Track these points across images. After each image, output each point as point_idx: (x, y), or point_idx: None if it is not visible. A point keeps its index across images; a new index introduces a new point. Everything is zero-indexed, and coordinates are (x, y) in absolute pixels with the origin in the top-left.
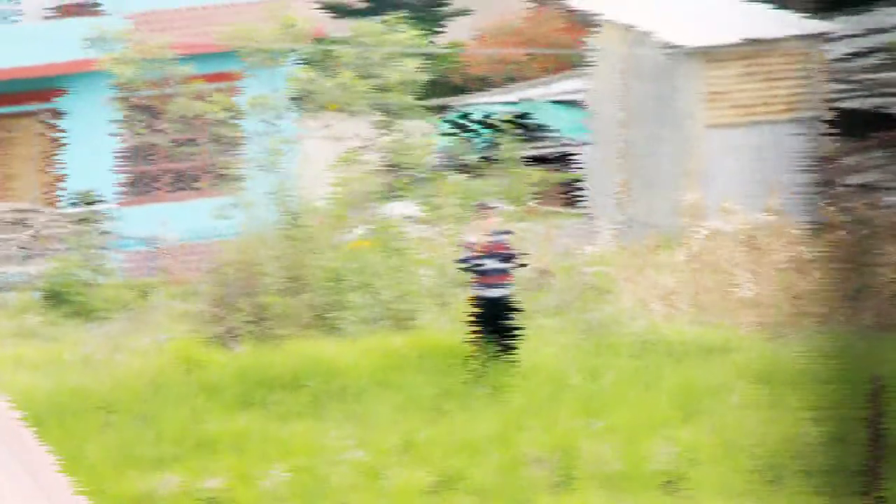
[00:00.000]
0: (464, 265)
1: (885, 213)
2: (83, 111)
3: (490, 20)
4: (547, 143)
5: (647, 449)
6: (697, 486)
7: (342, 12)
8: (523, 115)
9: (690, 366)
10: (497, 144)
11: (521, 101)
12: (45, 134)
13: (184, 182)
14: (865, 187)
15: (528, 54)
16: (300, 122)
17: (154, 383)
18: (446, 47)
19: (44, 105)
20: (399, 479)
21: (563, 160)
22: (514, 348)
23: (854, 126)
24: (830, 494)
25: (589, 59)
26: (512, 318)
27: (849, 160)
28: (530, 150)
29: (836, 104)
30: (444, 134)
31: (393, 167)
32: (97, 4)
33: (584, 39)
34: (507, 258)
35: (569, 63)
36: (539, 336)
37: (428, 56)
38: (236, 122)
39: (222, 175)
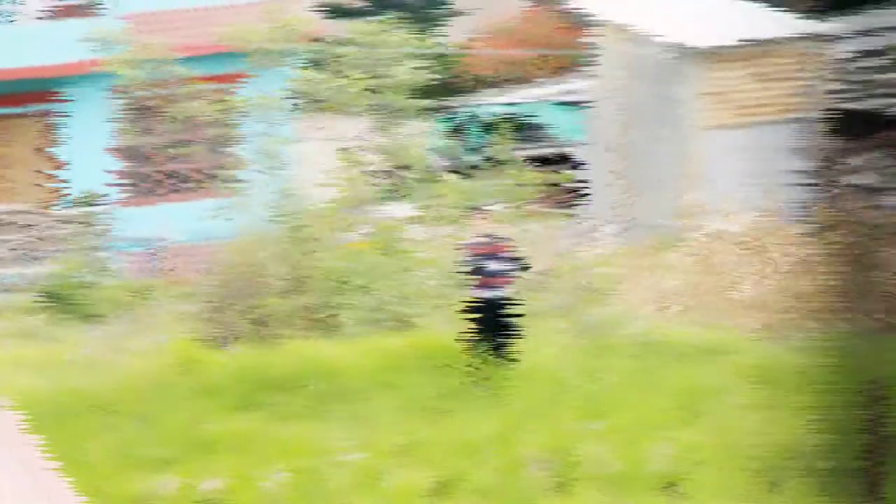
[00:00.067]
0: (463, 266)
1: (885, 215)
2: (82, 112)
3: (489, 21)
4: (547, 144)
5: (648, 450)
6: (698, 488)
7: (341, 13)
8: (523, 116)
9: (691, 367)
10: (496, 145)
11: (521, 101)
12: (45, 135)
13: (183, 183)
14: (865, 188)
15: (528, 55)
16: (299, 123)
17: (154, 384)
18: (446, 48)
19: (43, 106)
20: (399, 480)
21: (562, 161)
22: (514, 349)
23: (854, 127)
24: (831, 497)
25: (589, 60)
26: (511, 320)
27: (849, 161)
28: (530, 151)
29: (837, 105)
30: (444, 135)
31: (392, 168)
32: (96, 5)
33: (584, 40)
34: (508, 260)
35: (569, 64)
36: (539, 337)
37: (427, 57)
38: (235, 122)
39: (222, 176)
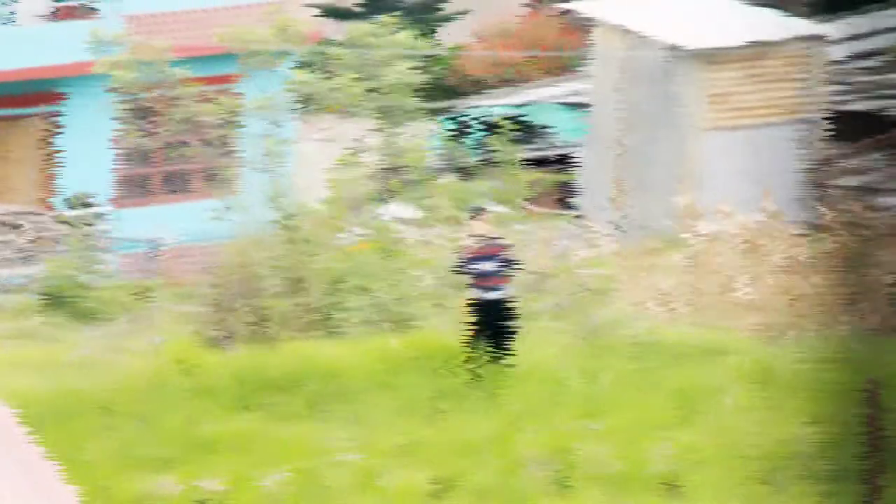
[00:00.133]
0: (461, 267)
1: (883, 216)
2: (81, 113)
3: (488, 22)
4: (545, 146)
5: (646, 451)
6: (697, 488)
7: (339, 15)
8: (521, 118)
9: (688, 368)
10: (495, 147)
11: (520, 103)
12: (44, 136)
13: (182, 184)
14: (864, 189)
15: (526, 56)
16: (298, 124)
17: (152, 385)
18: (444, 49)
19: (43, 107)
20: (397, 480)
21: (561, 162)
22: (513, 350)
23: (853, 128)
24: (829, 498)
25: (587, 62)
26: (510, 320)
27: (847, 162)
28: (529, 153)
29: (835, 107)
30: (442, 136)
31: (390, 169)
32: (94, 7)
33: (583, 42)
34: (506, 260)
35: (568, 65)
36: (537, 338)
37: (426, 58)
38: (234, 124)
39: (221, 177)
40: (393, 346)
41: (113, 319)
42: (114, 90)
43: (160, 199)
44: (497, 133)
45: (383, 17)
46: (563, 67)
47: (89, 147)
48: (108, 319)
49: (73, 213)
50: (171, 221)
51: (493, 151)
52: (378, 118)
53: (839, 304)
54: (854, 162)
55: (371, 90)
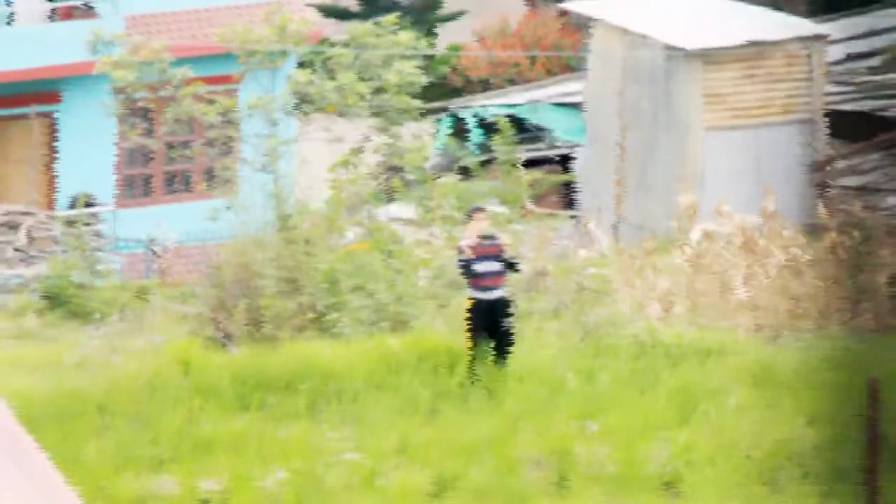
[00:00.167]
0: (460, 268)
1: (882, 216)
2: (81, 114)
3: (488, 22)
4: (545, 145)
5: (644, 451)
6: (694, 489)
7: (339, 15)
8: (521, 118)
9: (687, 368)
10: (494, 147)
11: (519, 103)
12: (43, 136)
13: (181, 184)
14: (863, 190)
15: (526, 57)
16: (298, 124)
17: (151, 385)
18: (445, 49)
19: (41, 108)
20: (396, 480)
21: (561, 162)
22: (511, 350)
23: (852, 128)
24: (828, 498)
25: (587, 62)
26: (508, 321)
27: (846, 162)
28: (528, 153)
29: (835, 107)
30: (442, 136)
31: (390, 169)
32: (94, 7)
33: (583, 42)
34: (503, 260)
35: (568, 65)
36: (536, 338)
37: (426, 58)
38: (234, 124)
39: (219, 177)
40: (392, 346)
41: (112, 319)
42: (114, 90)
43: (160, 199)
44: (497, 133)
45: (383, 17)
46: (562, 67)
47: (89, 147)
48: (107, 319)
49: (73, 212)
50: (171, 221)
51: (493, 151)
52: (378, 118)
53: (838, 304)
54: (853, 162)
55: (372, 90)
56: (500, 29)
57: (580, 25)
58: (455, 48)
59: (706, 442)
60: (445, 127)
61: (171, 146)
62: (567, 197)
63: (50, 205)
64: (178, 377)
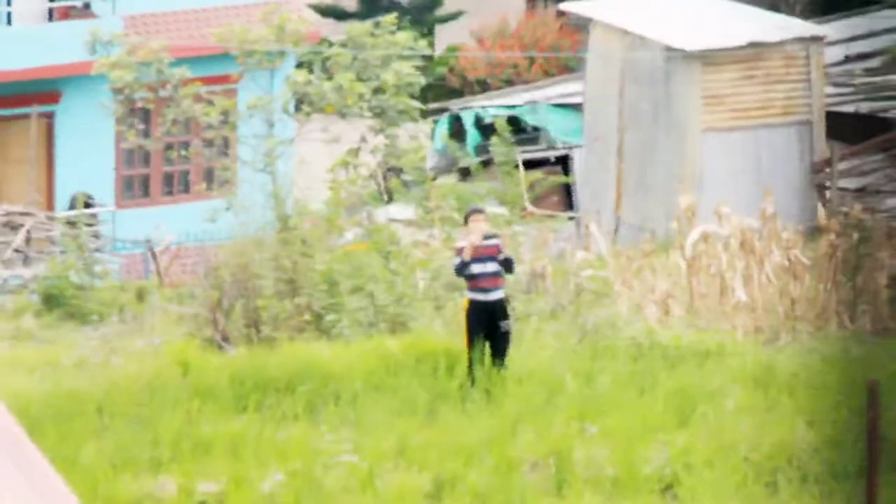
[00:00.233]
0: (458, 269)
1: (881, 218)
2: (80, 114)
3: (487, 23)
4: (544, 146)
5: (643, 453)
6: (693, 491)
7: (338, 15)
8: (519, 118)
9: (686, 370)
10: (493, 147)
11: (518, 104)
12: (43, 136)
13: (179, 185)
14: (862, 191)
15: (525, 57)
16: (296, 124)
17: (149, 386)
18: (443, 50)
19: (40, 108)
20: (394, 482)
21: (559, 163)
22: (509, 352)
23: (851, 130)
24: (827, 499)
25: (586, 63)
26: (506, 322)
27: (846, 164)
28: (527, 154)
29: (834, 108)
30: (440, 137)
31: (389, 170)
32: (89, 4)
33: (582, 42)
34: (503, 262)
35: (566, 66)
36: (534, 340)
37: (424, 59)
38: (233, 124)
39: (218, 178)
40: (391, 347)
41: (110, 320)
42: (113, 90)
43: (158, 199)
44: (496, 134)
45: (382, 18)
46: (561, 68)
47: (88, 148)
48: (105, 320)
49: (72, 213)
50: (169, 222)
51: (492, 152)
52: (377, 119)
53: (837, 305)
54: (853, 163)
55: (371, 91)
56: (499, 29)
57: (579, 26)
58: (453, 49)
59: (705, 444)
60: (444, 128)
61: (169, 147)
62: (566, 198)
63: (49, 205)
64: (177, 378)
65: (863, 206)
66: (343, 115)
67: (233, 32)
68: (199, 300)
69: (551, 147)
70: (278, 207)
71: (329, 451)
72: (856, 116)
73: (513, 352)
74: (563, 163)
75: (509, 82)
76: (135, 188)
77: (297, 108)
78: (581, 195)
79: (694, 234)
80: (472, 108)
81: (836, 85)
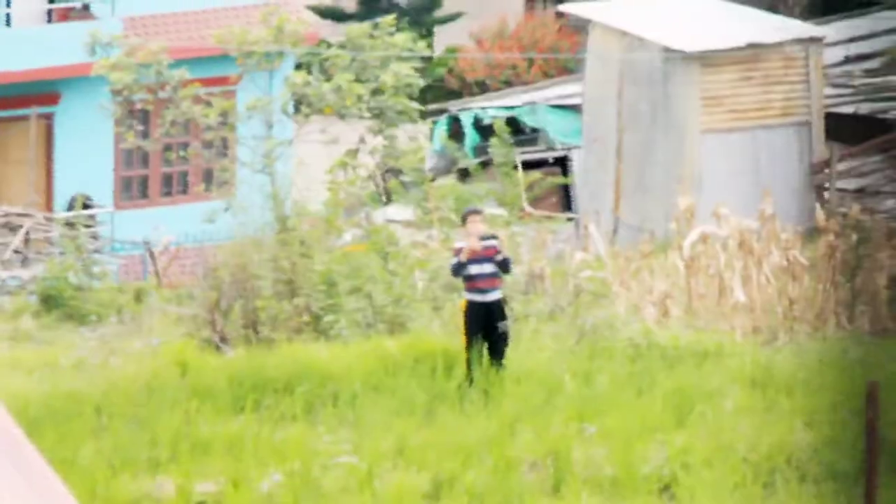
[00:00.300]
0: (456, 269)
1: (880, 219)
2: (79, 115)
3: (486, 24)
4: (542, 147)
5: (641, 453)
6: (691, 491)
7: (337, 16)
8: (518, 119)
9: (684, 370)
10: (491, 148)
11: (517, 105)
12: (42, 137)
13: (178, 186)
14: (861, 192)
15: (523, 59)
16: (295, 125)
17: (148, 387)
18: (443, 51)
19: (39, 109)
20: (392, 483)
21: (558, 164)
22: (507, 352)
23: (850, 131)
24: (825, 499)
25: (585, 64)
26: (504, 323)
27: (845, 165)
28: (525, 155)
29: (833, 109)
30: (439, 138)
31: (387, 171)
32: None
33: (581, 44)
34: (501, 262)
35: (565, 67)
36: (532, 340)
37: (423, 60)
38: (232, 125)
39: (217, 179)
40: (389, 348)
41: (109, 321)
42: (112, 92)
43: (157, 200)
44: (494, 135)
45: (381, 19)
46: (559, 69)
47: (87, 149)
48: (103, 321)
49: (70, 214)
50: (168, 223)
51: (491, 153)
52: (375, 120)
53: (836, 306)
54: (852, 164)
55: (369, 92)
56: (498, 31)
57: (578, 27)
58: (452, 50)
59: (703, 444)
60: (443, 129)
61: (168, 148)
62: (565, 199)
63: (48, 206)
64: (176, 379)
65: (862, 207)
66: (342, 117)
67: (232, 34)
68: (197, 301)
69: (550, 148)
70: (277, 208)
71: (327, 452)
72: (855, 117)
73: (511, 352)
74: (562, 164)
75: (508, 83)
76: (133, 189)
77: (296, 110)
78: (580, 196)
79: (693, 235)
80: (471, 109)
81: (835, 86)
